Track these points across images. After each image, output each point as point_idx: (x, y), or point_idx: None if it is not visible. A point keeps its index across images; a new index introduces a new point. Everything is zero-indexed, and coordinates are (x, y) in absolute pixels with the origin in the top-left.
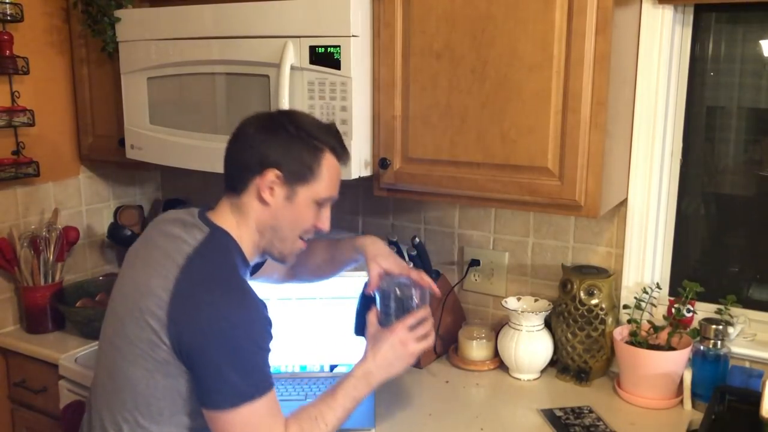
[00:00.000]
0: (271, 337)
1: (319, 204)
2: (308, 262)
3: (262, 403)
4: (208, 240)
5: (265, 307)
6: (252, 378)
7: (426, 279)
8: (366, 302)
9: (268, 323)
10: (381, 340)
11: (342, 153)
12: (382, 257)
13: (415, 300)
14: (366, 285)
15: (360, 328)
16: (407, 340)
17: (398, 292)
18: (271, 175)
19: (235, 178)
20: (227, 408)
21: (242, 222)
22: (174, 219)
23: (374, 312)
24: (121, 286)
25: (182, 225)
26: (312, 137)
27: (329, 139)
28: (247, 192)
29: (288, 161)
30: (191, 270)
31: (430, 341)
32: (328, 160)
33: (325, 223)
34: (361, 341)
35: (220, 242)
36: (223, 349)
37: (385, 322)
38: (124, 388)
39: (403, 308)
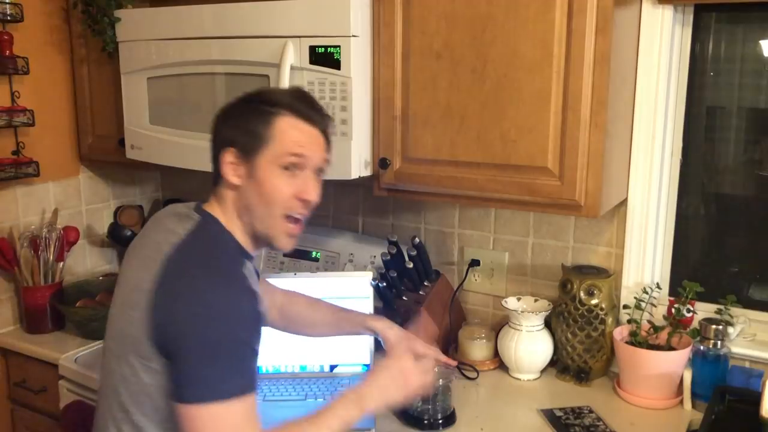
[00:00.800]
0: (258, 335)
1: (287, 168)
2: (307, 319)
3: (237, 406)
4: (197, 228)
5: (257, 300)
6: (228, 375)
7: (443, 357)
8: None
9: (257, 319)
10: (384, 366)
11: (305, 109)
12: (408, 340)
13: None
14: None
15: None
16: (409, 370)
17: None
18: (228, 155)
19: (213, 171)
20: (195, 402)
21: (225, 211)
22: (170, 212)
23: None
24: (118, 284)
25: (177, 217)
26: (264, 103)
27: (285, 99)
28: (220, 179)
29: (240, 136)
30: (177, 259)
31: (429, 377)
32: (285, 121)
33: (308, 192)
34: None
35: (209, 230)
36: (199, 339)
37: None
38: (119, 386)
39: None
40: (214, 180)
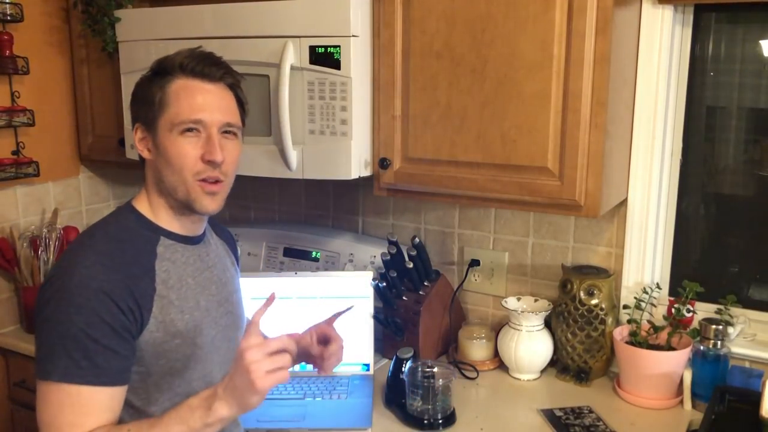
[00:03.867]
0: (104, 323)
1: (185, 131)
2: None
3: (61, 391)
4: (102, 220)
5: (132, 286)
6: (53, 356)
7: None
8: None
9: (106, 305)
10: (232, 367)
11: (198, 66)
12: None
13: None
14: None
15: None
16: (253, 366)
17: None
18: (138, 131)
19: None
20: (37, 377)
21: (149, 191)
22: None
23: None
24: None
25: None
26: (159, 72)
27: (177, 60)
28: (141, 161)
29: (140, 109)
30: (71, 244)
31: (280, 376)
32: (178, 84)
33: (212, 152)
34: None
35: (110, 218)
36: (38, 314)
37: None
38: None
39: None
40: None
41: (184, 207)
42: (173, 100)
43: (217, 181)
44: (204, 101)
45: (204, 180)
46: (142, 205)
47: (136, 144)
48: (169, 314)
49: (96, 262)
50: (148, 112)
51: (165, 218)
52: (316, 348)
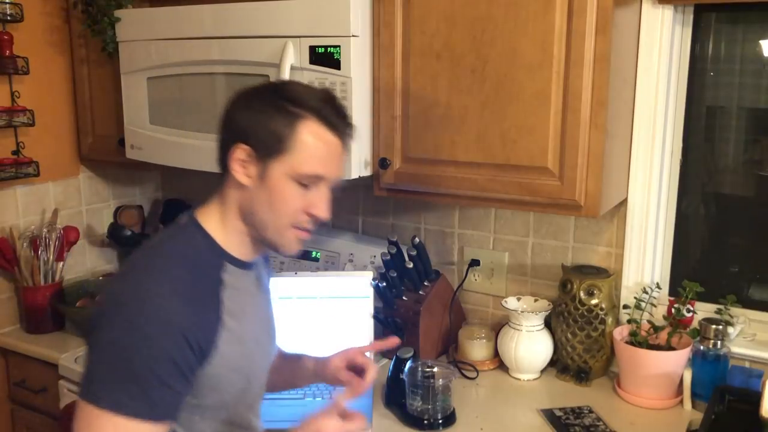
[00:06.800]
0: (170, 361)
1: (302, 183)
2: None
3: (108, 420)
4: (168, 234)
5: (203, 320)
6: (107, 382)
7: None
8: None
9: (178, 343)
10: (304, 424)
11: (334, 119)
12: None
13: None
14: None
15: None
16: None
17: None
18: (240, 151)
19: (219, 162)
20: (80, 397)
21: (226, 211)
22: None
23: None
24: None
25: (172, 225)
26: (289, 101)
27: (313, 102)
28: (226, 176)
29: (257, 133)
30: (129, 262)
31: None
32: (309, 128)
33: (319, 208)
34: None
35: (179, 235)
36: (99, 336)
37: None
38: None
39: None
40: (220, 171)
41: (266, 244)
42: (301, 146)
43: (308, 229)
44: (330, 157)
45: (298, 227)
46: (211, 223)
47: (233, 163)
48: (232, 348)
49: (171, 291)
50: (267, 143)
51: (235, 243)
52: (344, 374)
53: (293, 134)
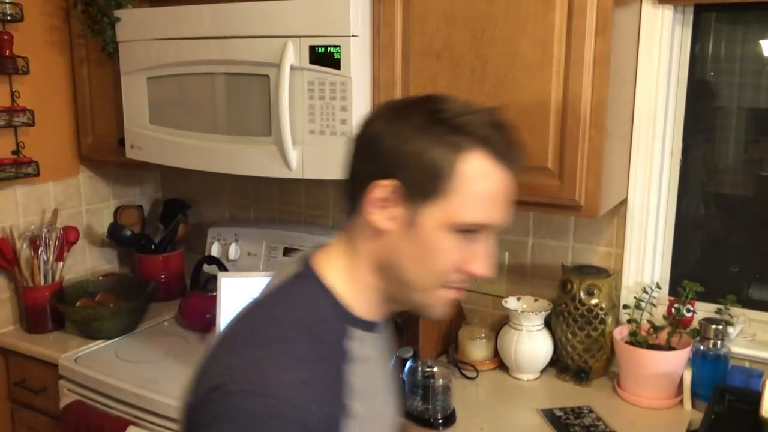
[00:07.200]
0: None
1: (462, 232)
2: None
3: None
4: (283, 286)
5: (328, 395)
6: None
7: None
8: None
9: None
10: None
11: (503, 146)
12: None
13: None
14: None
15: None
16: None
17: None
18: (381, 189)
19: (348, 198)
20: None
21: (356, 263)
22: (289, 260)
23: None
24: None
25: (285, 266)
26: (452, 127)
27: (481, 127)
28: (358, 216)
29: (408, 166)
30: (238, 321)
31: None
32: (474, 164)
33: (479, 264)
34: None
35: (297, 292)
36: (203, 420)
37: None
38: None
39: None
40: (347, 212)
41: (406, 305)
42: (464, 187)
43: (460, 288)
44: (497, 200)
45: (450, 287)
46: (334, 275)
47: (371, 202)
48: None
49: (297, 380)
50: (419, 182)
51: (364, 303)
52: None
53: (453, 171)
